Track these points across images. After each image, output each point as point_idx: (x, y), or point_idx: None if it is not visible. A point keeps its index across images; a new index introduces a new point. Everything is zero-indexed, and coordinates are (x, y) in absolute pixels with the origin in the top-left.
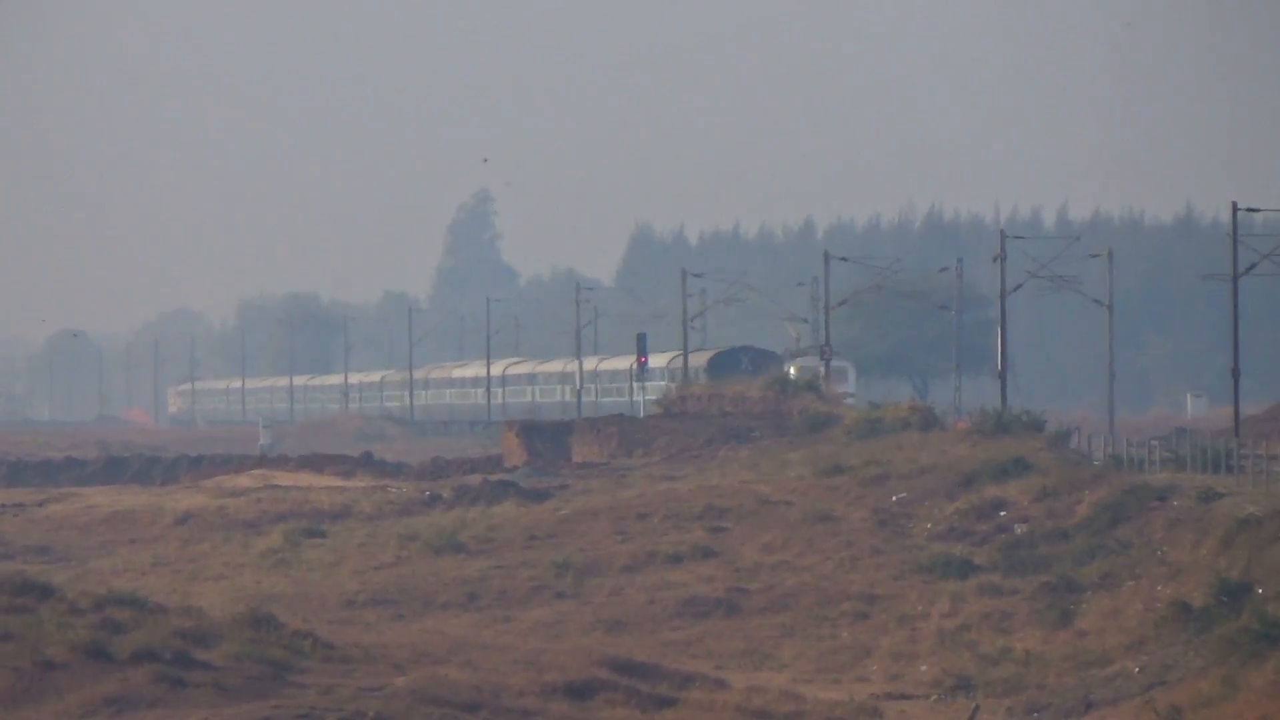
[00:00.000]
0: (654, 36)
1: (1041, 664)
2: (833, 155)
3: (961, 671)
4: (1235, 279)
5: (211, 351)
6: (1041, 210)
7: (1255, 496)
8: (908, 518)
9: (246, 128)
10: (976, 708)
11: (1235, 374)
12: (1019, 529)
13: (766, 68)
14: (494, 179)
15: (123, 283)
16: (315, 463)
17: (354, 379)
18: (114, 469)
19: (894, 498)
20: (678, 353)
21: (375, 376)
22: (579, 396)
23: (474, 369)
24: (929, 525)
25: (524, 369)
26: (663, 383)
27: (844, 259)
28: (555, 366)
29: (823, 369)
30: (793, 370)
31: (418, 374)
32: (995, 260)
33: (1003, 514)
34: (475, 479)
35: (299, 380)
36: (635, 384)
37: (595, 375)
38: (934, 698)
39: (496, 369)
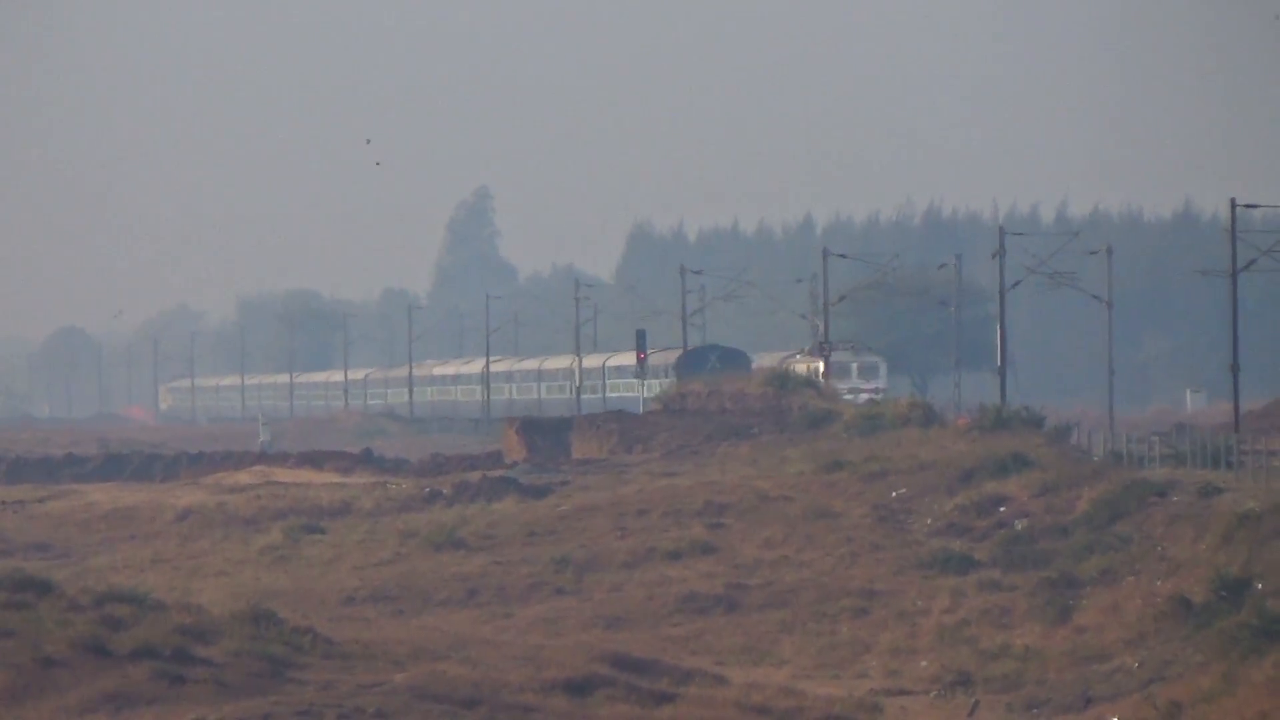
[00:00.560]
0: (653, 33)
1: (1041, 660)
2: (832, 152)
3: (961, 667)
4: (1234, 275)
5: (211, 349)
6: (1040, 206)
7: (1255, 492)
8: (907, 514)
9: (246, 125)
10: (976, 703)
11: (1234, 369)
12: (1018, 525)
13: (766, 64)
14: (491, 177)
15: (123, 280)
16: (315, 459)
17: (334, 376)
18: (114, 466)
19: (894, 494)
20: (651, 351)
21: (359, 374)
22: (578, 393)
23: (454, 367)
24: (929, 521)
25: (502, 367)
26: (633, 379)
27: (843, 256)
28: (532, 364)
29: (822, 365)
30: (820, 366)
31: (396, 372)
32: (994, 257)
33: (1002, 510)
34: (475, 475)
35: (297, 377)
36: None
37: (569, 374)
38: (933, 693)
39: (476, 367)
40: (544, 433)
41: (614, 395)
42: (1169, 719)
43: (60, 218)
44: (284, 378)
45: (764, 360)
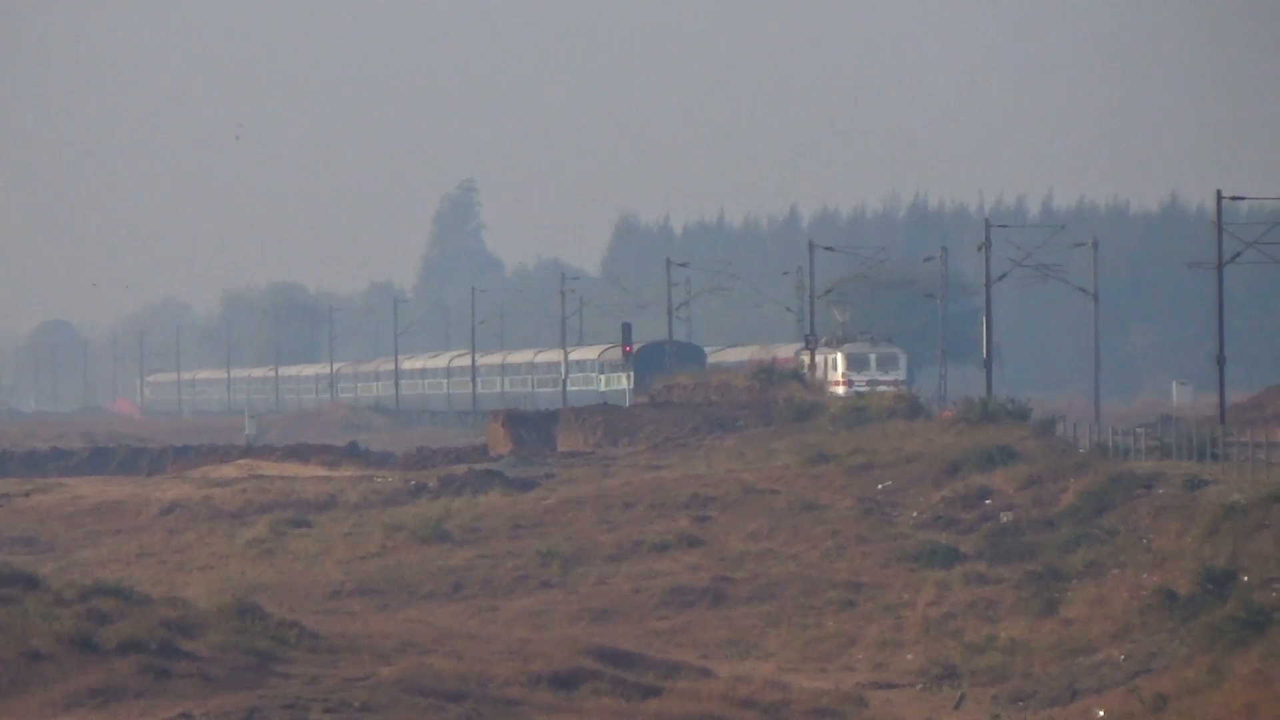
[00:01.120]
0: (639, 26)
1: (1027, 652)
2: (817, 145)
3: (947, 660)
4: (1220, 267)
5: (197, 342)
6: (1026, 199)
7: (1241, 484)
8: (893, 506)
9: (232, 119)
10: (962, 696)
11: (1220, 362)
12: (1004, 517)
13: (751, 58)
14: (477, 170)
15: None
16: (301, 453)
17: (320, 370)
18: (99, 459)
19: (879, 486)
20: (609, 345)
21: (350, 368)
22: (564, 385)
23: (421, 361)
24: (915, 514)
25: (466, 360)
26: (593, 374)
27: (829, 248)
28: (495, 359)
29: (807, 357)
30: (840, 359)
31: (366, 368)
32: (980, 249)
33: (988, 502)
34: (461, 469)
35: (283, 371)
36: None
37: (532, 367)
38: (919, 686)
39: (443, 361)
40: (529, 425)
41: (574, 389)
42: (1155, 711)
43: (46, 211)
44: (270, 371)
45: (748, 353)
